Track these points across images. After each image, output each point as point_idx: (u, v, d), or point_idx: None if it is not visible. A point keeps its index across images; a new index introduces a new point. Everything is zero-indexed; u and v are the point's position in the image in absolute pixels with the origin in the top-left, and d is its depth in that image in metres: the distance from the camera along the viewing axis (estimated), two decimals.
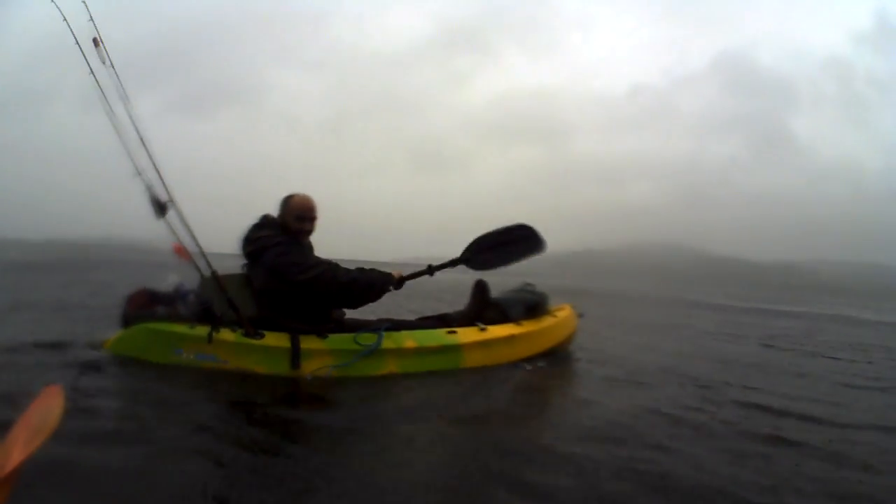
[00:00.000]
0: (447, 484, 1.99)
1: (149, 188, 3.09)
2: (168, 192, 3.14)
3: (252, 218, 3.63)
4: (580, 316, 4.98)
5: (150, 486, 1.80)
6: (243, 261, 3.59)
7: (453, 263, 3.96)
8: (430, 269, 3.88)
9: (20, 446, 0.61)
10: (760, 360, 5.53)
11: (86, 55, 3.04)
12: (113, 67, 3.01)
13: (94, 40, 3.03)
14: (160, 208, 3.10)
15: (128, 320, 3.50)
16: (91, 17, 3.05)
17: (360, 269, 3.63)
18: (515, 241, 4.12)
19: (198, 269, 3.38)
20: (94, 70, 3.06)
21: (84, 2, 3.09)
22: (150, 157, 3.10)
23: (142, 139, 3.08)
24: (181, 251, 3.40)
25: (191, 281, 3.54)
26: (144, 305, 3.50)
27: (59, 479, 1.77)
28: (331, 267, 3.52)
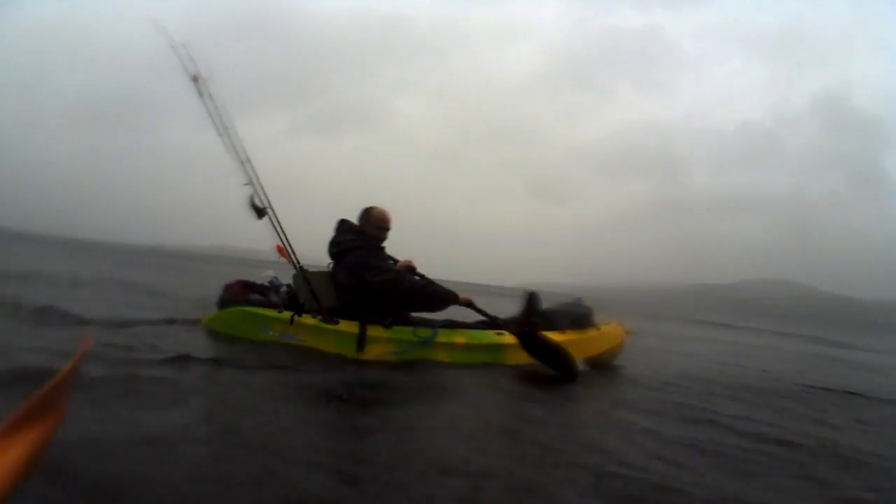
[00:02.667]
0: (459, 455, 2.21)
1: (251, 196, 3.76)
2: (267, 200, 3.80)
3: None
4: (629, 332, 5.23)
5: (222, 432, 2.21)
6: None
7: (512, 330, 4.18)
8: (495, 320, 4.28)
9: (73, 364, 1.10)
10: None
11: (199, 89, 3.71)
12: (212, 100, 3.67)
13: (195, 77, 3.73)
14: (259, 212, 3.76)
15: (224, 304, 4.19)
16: (192, 57, 3.70)
17: (430, 283, 4.18)
18: (557, 358, 4.08)
19: (293, 265, 4.02)
20: (205, 99, 3.74)
21: (186, 45, 3.69)
22: (253, 170, 3.76)
23: (247, 157, 3.75)
24: (282, 250, 4.06)
25: (285, 277, 4.20)
26: (240, 293, 4.17)
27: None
28: (400, 274, 4.10)
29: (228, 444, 2.03)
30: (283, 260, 4.08)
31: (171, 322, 4.46)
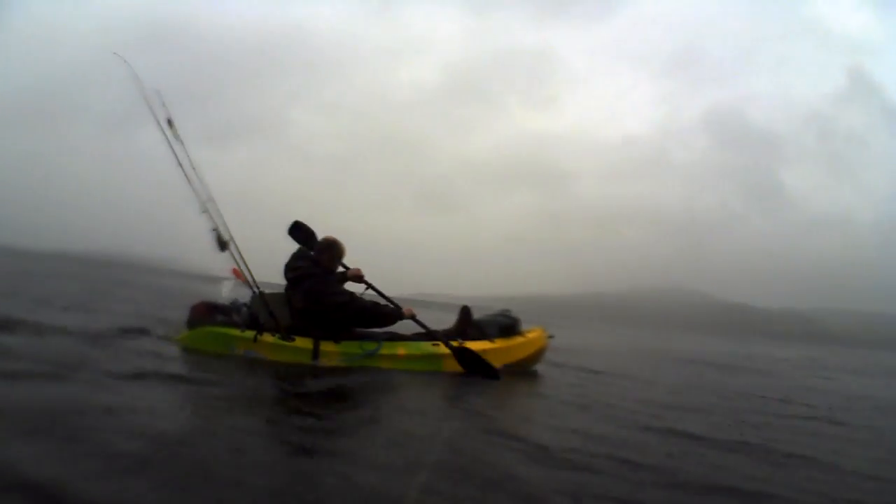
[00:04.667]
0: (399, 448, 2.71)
1: (215, 229, 4.27)
2: (229, 233, 4.32)
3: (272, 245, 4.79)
4: (550, 337, 5.97)
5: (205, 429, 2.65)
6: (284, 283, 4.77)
7: (446, 343, 4.80)
8: (435, 335, 4.87)
9: None
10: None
11: (173, 133, 4.19)
12: (182, 143, 4.13)
13: (169, 121, 4.20)
14: (222, 245, 4.27)
15: (192, 324, 4.67)
16: (164, 102, 4.16)
17: (375, 304, 4.75)
18: (482, 366, 4.78)
19: (250, 287, 4.53)
20: (177, 143, 4.23)
21: (160, 92, 4.17)
22: (216, 208, 4.26)
23: (210, 196, 4.24)
24: (238, 273, 4.56)
25: (243, 297, 4.72)
26: (205, 314, 4.66)
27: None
28: (353, 298, 4.65)
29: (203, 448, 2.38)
30: (240, 281, 4.60)
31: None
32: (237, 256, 4.37)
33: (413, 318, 4.87)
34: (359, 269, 4.95)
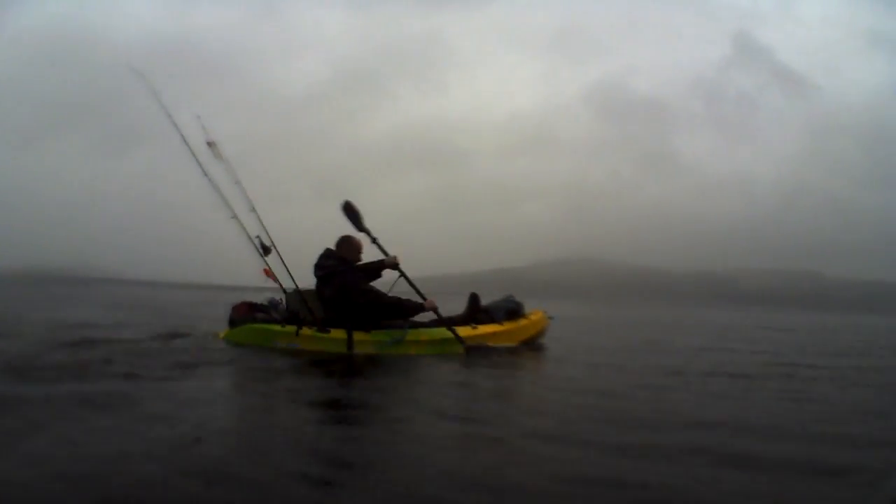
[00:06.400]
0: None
1: (258, 237, 4.65)
2: (271, 239, 4.70)
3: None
4: (551, 318, 6.58)
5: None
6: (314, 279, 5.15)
7: (458, 336, 5.29)
8: (447, 322, 5.35)
9: None
10: None
11: (214, 153, 4.54)
12: (226, 162, 4.51)
13: (209, 143, 4.53)
14: (266, 249, 4.65)
15: (233, 322, 5.01)
16: (204, 126, 4.53)
17: (398, 299, 5.13)
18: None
19: (281, 288, 4.92)
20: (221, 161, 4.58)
21: (199, 117, 4.54)
22: (258, 217, 4.64)
23: (252, 206, 4.62)
24: (269, 274, 4.94)
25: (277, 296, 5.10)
26: (247, 312, 5.00)
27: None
28: (378, 293, 5.06)
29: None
30: (271, 282, 5.00)
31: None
32: (283, 262, 4.75)
33: (434, 310, 5.32)
34: (396, 258, 5.32)
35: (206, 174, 4.67)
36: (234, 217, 4.82)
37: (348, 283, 4.97)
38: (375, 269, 5.30)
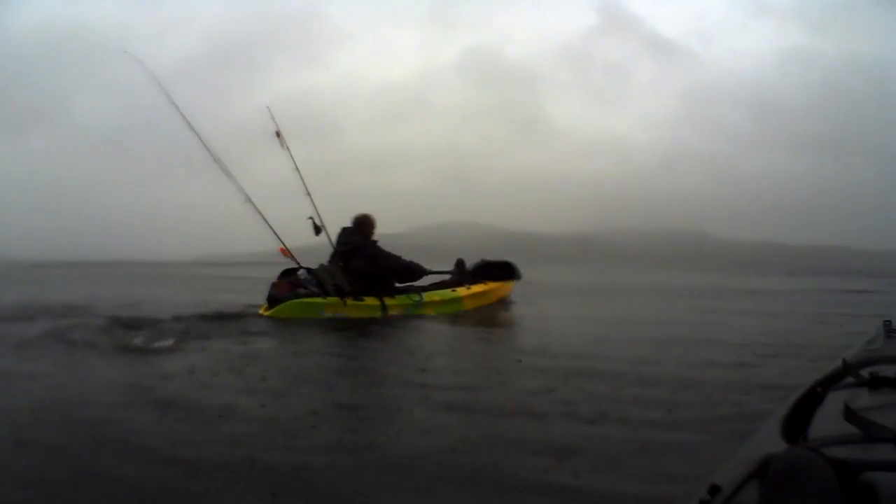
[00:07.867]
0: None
1: (311, 218, 5.37)
2: (321, 220, 5.43)
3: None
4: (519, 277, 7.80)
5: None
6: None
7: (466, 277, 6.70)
8: (450, 284, 6.59)
9: None
10: None
11: (281, 143, 5.18)
12: (289, 151, 5.18)
13: (277, 133, 5.15)
14: (317, 230, 5.37)
15: (273, 298, 5.62)
16: (272, 116, 5.15)
17: (411, 262, 6.12)
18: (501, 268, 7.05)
19: (297, 264, 5.68)
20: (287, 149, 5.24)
21: (268, 108, 5.15)
22: (312, 200, 5.35)
23: (307, 190, 5.31)
24: (285, 252, 5.69)
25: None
26: (287, 288, 5.65)
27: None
28: (399, 259, 5.98)
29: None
30: (288, 259, 5.74)
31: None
32: (331, 242, 5.50)
33: (433, 272, 6.42)
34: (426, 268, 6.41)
35: (216, 160, 5.25)
36: (248, 201, 5.44)
37: (377, 251, 5.83)
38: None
